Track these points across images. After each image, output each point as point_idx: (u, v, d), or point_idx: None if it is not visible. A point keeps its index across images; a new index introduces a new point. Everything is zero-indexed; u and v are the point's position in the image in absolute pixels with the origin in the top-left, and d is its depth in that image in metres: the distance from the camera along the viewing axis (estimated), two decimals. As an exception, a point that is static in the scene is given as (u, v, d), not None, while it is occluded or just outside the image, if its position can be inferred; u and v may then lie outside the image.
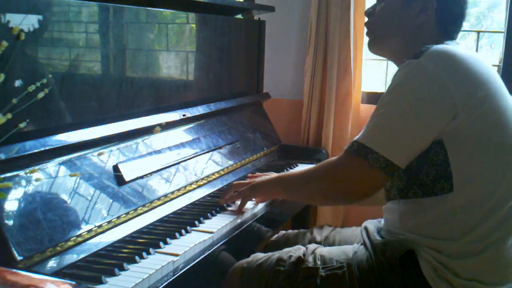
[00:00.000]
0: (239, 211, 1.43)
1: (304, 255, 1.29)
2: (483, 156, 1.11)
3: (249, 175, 1.69)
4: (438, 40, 1.22)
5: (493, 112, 1.12)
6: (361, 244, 1.29)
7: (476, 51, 2.54)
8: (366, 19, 1.36)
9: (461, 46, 1.23)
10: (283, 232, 1.61)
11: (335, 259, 1.25)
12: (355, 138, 1.15)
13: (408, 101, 1.10)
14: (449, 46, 1.16)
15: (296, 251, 1.32)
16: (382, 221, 1.32)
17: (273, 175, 1.47)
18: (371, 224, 1.35)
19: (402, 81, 1.12)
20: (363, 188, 1.14)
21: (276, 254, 1.33)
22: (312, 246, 1.33)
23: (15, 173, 1.07)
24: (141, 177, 1.38)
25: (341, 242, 1.46)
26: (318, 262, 1.25)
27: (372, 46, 1.35)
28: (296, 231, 1.60)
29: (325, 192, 1.23)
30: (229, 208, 1.48)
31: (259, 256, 1.36)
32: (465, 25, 2.84)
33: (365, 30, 1.38)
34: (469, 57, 1.15)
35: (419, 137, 1.10)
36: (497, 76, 1.20)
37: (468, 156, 1.10)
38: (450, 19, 1.26)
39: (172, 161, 1.52)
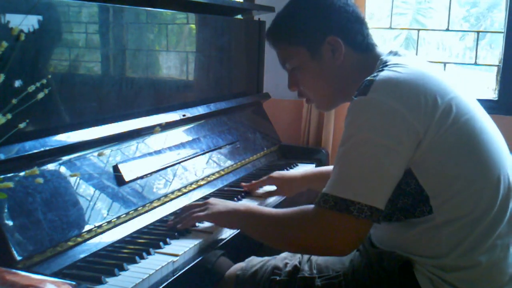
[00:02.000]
0: (183, 227, 1.29)
1: (300, 263, 1.26)
2: (456, 172, 1.07)
3: (243, 184, 1.67)
4: (368, 58, 1.20)
5: (460, 123, 1.07)
6: (357, 250, 1.26)
7: (476, 51, 2.55)
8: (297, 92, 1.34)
9: (407, 58, 1.16)
10: None
11: (331, 268, 1.23)
12: (325, 191, 1.05)
13: (373, 141, 1.03)
14: (391, 73, 1.08)
15: (292, 258, 1.29)
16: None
17: (234, 205, 1.31)
18: None
19: (360, 122, 1.05)
20: (351, 242, 1.05)
21: (271, 261, 1.29)
22: None
23: (15, 173, 1.07)
24: (141, 177, 1.38)
25: None
26: (314, 271, 1.22)
27: (323, 110, 1.34)
28: None
29: (304, 247, 1.12)
30: None
31: (254, 261, 1.32)
32: (465, 25, 2.83)
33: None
34: (416, 78, 1.07)
35: (392, 174, 1.04)
36: (455, 83, 1.14)
37: (441, 177, 1.06)
38: (358, 36, 1.23)
39: (172, 161, 1.52)
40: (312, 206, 1.09)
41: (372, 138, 1.03)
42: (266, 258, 1.32)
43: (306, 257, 1.28)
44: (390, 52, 1.21)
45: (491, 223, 1.08)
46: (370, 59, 1.21)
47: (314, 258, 1.28)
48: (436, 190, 1.07)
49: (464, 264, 1.08)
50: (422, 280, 1.10)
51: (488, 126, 1.14)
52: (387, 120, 1.03)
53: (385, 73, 1.08)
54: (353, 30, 1.23)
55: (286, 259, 1.29)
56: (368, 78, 1.08)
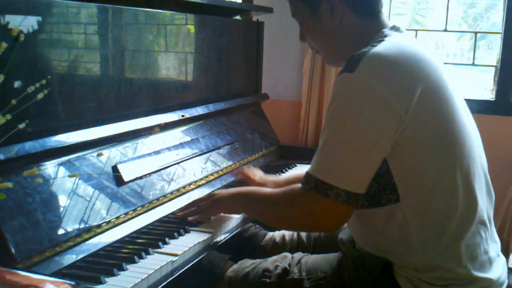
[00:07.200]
0: (196, 220, 1.36)
1: (289, 265, 1.26)
2: (428, 164, 1.07)
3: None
4: (371, 25, 1.18)
5: (440, 116, 1.08)
6: (344, 252, 1.27)
7: (474, 52, 2.55)
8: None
9: (402, 36, 1.16)
10: (271, 234, 1.57)
11: (320, 269, 1.23)
12: (308, 171, 1.10)
13: (355, 124, 1.04)
14: (382, 49, 1.07)
15: (282, 260, 1.29)
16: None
17: (236, 189, 1.38)
18: (345, 235, 1.31)
19: (343, 102, 1.06)
20: (331, 223, 1.11)
21: (262, 263, 1.30)
22: (297, 256, 1.31)
23: (15, 173, 1.08)
24: (140, 178, 1.38)
25: (327, 237, 1.46)
26: (304, 273, 1.23)
27: (330, 66, 1.36)
28: (282, 232, 1.56)
29: (294, 223, 1.23)
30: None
31: (246, 263, 1.33)
32: (463, 26, 2.84)
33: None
34: (406, 58, 1.08)
35: (374, 159, 1.05)
36: (442, 69, 1.14)
37: (411, 166, 1.07)
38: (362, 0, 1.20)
39: (171, 162, 1.52)
40: (299, 185, 1.13)
41: (355, 122, 1.04)
42: (258, 260, 1.33)
43: (296, 259, 1.29)
44: (393, 27, 1.20)
45: (456, 229, 1.09)
46: (373, 26, 1.20)
47: (304, 260, 1.28)
48: (405, 179, 1.07)
49: (436, 265, 1.09)
50: (402, 281, 1.11)
51: (467, 126, 1.14)
52: (370, 103, 1.04)
53: (377, 49, 1.08)
54: None
55: (276, 261, 1.29)
56: (360, 51, 1.08)
